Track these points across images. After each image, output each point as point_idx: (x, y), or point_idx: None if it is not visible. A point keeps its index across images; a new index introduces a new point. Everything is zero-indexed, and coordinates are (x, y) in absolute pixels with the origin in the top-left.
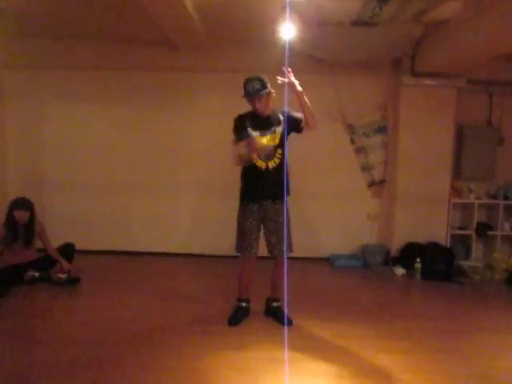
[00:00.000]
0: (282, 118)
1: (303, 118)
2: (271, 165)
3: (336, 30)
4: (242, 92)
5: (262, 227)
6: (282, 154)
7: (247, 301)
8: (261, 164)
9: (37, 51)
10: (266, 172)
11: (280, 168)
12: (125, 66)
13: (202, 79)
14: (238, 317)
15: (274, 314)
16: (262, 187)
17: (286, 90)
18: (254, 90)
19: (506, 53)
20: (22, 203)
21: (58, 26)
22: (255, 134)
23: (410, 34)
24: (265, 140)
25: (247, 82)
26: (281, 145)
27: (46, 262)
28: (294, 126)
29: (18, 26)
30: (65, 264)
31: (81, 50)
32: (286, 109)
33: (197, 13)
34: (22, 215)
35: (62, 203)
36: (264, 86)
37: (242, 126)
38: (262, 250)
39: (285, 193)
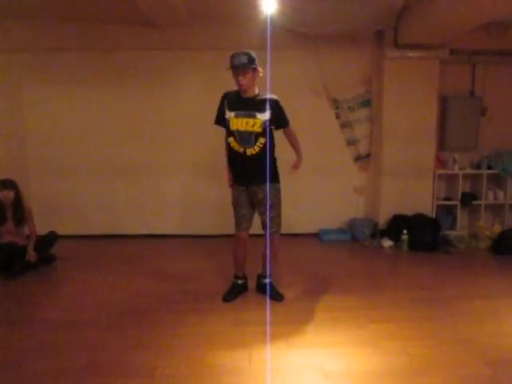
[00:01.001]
0: (268, 106)
1: (285, 133)
2: (250, 152)
3: (317, 3)
4: (228, 65)
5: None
6: (264, 144)
7: (243, 277)
8: (238, 148)
9: (13, 34)
10: (244, 158)
11: (261, 156)
12: (105, 47)
13: (184, 57)
14: (232, 293)
15: (264, 290)
16: (242, 172)
17: (268, 70)
18: (239, 63)
19: (488, 22)
20: (5, 183)
21: (36, 8)
22: (230, 114)
23: (392, 5)
24: (240, 121)
25: (234, 55)
26: (264, 133)
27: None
28: (275, 123)
29: None
30: (31, 255)
31: (59, 31)
32: (272, 97)
33: None
34: (6, 194)
35: (48, 188)
36: (251, 61)
37: (221, 106)
38: (259, 228)
39: (267, 179)
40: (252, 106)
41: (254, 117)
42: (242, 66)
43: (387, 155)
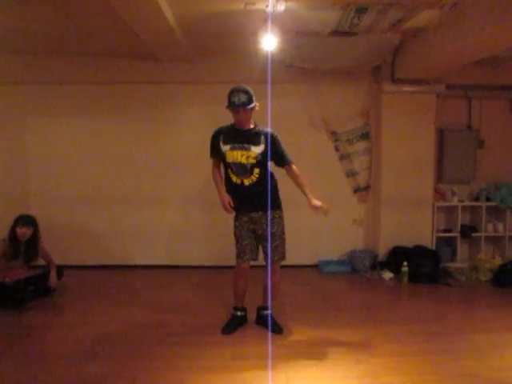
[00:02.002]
0: (263, 139)
1: (288, 172)
2: (247, 182)
3: (316, 40)
4: (226, 103)
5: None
6: (260, 174)
7: (242, 309)
8: (236, 179)
9: (18, 67)
10: (242, 187)
11: (259, 184)
12: (107, 80)
13: (184, 91)
14: (231, 325)
15: (264, 323)
16: (241, 201)
17: (268, 105)
18: (239, 102)
19: (481, 57)
20: (25, 220)
21: (38, 42)
22: (225, 147)
23: (389, 42)
24: (235, 154)
25: (233, 92)
26: (258, 165)
27: (38, 278)
28: (273, 158)
29: (1, 43)
30: (53, 281)
31: (63, 65)
32: (267, 130)
33: (179, 26)
34: (24, 232)
35: (47, 218)
36: (250, 100)
37: (215, 141)
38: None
39: (269, 205)
40: (247, 138)
41: (249, 149)
42: (242, 106)
43: (386, 187)
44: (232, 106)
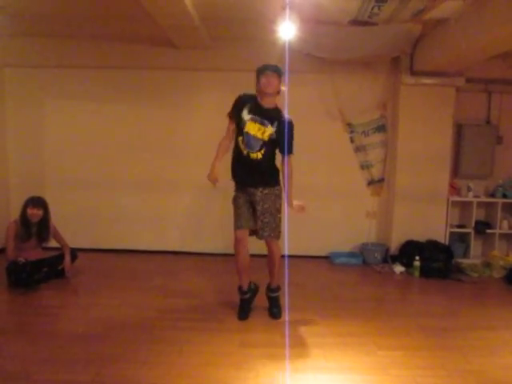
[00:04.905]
0: (280, 122)
1: (283, 161)
2: (253, 156)
3: (335, 29)
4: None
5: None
6: (267, 153)
7: (248, 290)
8: (243, 149)
9: (36, 50)
10: (247, 160)
11: (263, 161)
12: (125, 65)
13: (201, 78)
14: (244, 310)
15: (269, 304)
16: (242, 173)
17: (285, 94)
18: (270, 66)
19: (504, 51)
20: (36, 201)
21: (59, 26)
22: (247, 117)
23: (409, 33)
24: (253, 126)
25: (264, 64)
26: (269, 143)
27: (52, 260)
28: (277, 142)
29: (18, 26)
30: (67, 265)
31: (81, 49)
32: (287, 116)
33: (196, 12)
34: (34, 213)
35: (61, 201)
36: (279, 71)
37: (240, 106)
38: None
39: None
40: (268, 116)
41: (267, 126)
42: (272, 69)
43: (400, 180)
44: (259, 69)
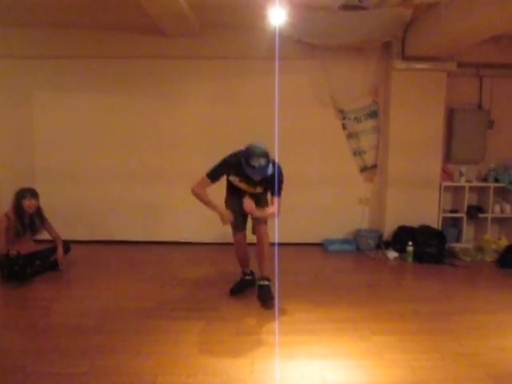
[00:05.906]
0: (268, 176)
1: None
2: (250, 191)
3: (325, 14)
4: (243, 162)
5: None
6: (264, 189)
7: (250, 273)
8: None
9: (24, 41)
10: (245, 193)
11: (260, 193)
12: (114, 54)
13: (192, 66)
14: (239, 286)
15: (258, 293)
16: (239, 196)
17: (276, 81)
18: (259, 167)
19: (495, 35)
20: (32, 192)
21: (46, 16)
22: (235, 178)
23: (400, 17)
24: (243, 184)
25: (254, 155)
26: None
27: (45, 253)
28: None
29: (4, 16)
30: (60, 257)
31: (69, 38)
32: (276, 169)
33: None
34: (32, 203)
35: (54, 193)
36: (268, 167)
37: (224, 171)
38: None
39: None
40: (258, 182)
41: (255, 186)
42: (261, 172)
43: (393, 166)
44: (251, 168)
